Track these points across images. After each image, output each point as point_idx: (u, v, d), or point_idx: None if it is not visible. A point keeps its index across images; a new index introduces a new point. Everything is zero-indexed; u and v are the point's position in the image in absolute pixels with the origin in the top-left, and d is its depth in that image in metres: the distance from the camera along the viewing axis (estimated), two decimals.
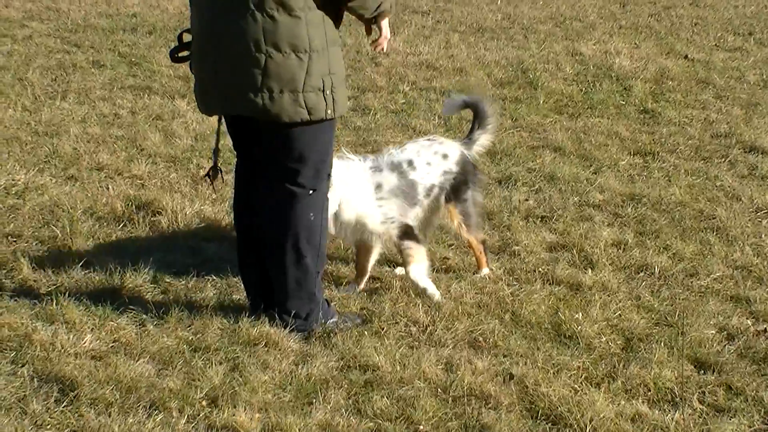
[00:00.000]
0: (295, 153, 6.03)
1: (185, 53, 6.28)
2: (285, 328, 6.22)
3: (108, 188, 8.36)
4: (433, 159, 6.96)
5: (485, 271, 7.13)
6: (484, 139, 7.25)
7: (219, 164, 6.48)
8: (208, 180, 6.52)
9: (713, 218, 8.08)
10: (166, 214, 7.86)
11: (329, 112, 5.95)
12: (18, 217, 7.78)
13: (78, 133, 9.66)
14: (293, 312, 6.26)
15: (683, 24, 14.97)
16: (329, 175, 6.23)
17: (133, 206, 8.02)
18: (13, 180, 8.40)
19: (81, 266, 7.01)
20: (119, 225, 7.73)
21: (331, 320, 6.33)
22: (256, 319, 6.27)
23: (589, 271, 7.15)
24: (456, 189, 7.01)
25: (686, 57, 12.99)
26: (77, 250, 7.19)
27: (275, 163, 6.09)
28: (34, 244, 7.34)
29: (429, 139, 7.19)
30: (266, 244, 6.25)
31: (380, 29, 6.20)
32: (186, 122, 10.05)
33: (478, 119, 7.20)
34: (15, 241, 7.38)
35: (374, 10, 6.05)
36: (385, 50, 6.38)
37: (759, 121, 10.61)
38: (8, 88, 10.99)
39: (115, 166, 8.90)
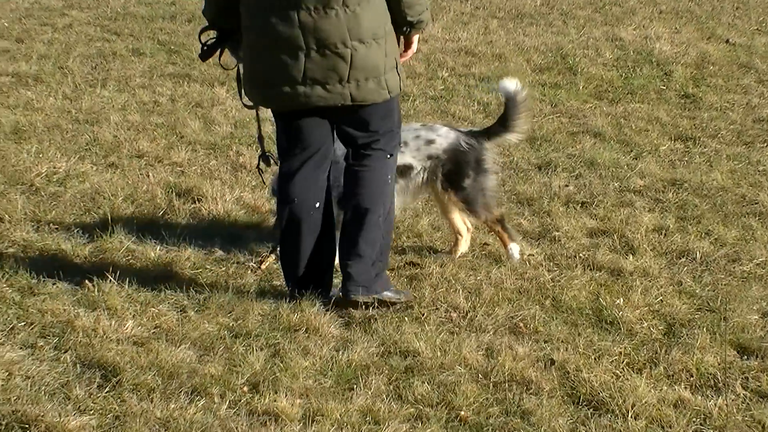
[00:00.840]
0: (374, 126, 6.32)
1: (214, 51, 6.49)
2: (371, 294, 6.35)
3: (148, 175, 8.39)
4: (415, 143, 6.99)
5: (513, 246, 7.12)
6: (508, 136, 7.18)
7: (267, 151, 6.59)
8: (262, 168, 6.66)
9: (755, 203, 8.02)
10: (206, 201, 7.89)
11: (402, 85, 6.39)
12: (59, 204, 7.83)
13: (118, 120, 9.70)
14: (378, 273, 6.42)
15: (724, 8, 14.84)
16: (399, 143, 6.55)
17: (173, 193, 8.05)
18: (54, 167, 8.44)
19: (122, 253, 7.05)
20: (159, 212, 7.76)
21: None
22: (297, 304, 6.28)
23: (630, 256, 7.12)
24: (448, 176, 6.99)
25: (727, 41, 12.88)
26: (118, 237, 7.22)
27: (357, 136, 6.36)
28: (75, 231, 7.37)
29: (423, 125, 7.21)
30: (355, 217, 6.37)
31: (411, 42, 6.52)
32: (225, 109, 10.07)
33: (506, 115, 7.12)
34: (57, 228, 7.42)
35: (418, 15, 6.30)
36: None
37: None
38: (49, 76, 11.04)
39: (155, 153, 8.93)
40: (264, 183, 7.47)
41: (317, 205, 6.37)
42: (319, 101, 6.13)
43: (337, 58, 6.04)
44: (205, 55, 6.51)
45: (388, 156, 6.40)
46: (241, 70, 6.37)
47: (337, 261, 6.54)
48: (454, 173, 6.97)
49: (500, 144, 7.27)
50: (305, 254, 6.42)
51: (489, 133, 7.12)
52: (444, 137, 7.00)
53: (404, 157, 6.86)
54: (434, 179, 6.99)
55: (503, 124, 7.10)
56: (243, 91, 6.41)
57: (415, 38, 6.51)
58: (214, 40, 6.47)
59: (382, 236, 6.40)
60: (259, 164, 6.62)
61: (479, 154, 7.04)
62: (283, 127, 6.37)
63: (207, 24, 6.46)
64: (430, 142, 6.98)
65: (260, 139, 6.60)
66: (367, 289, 6.33)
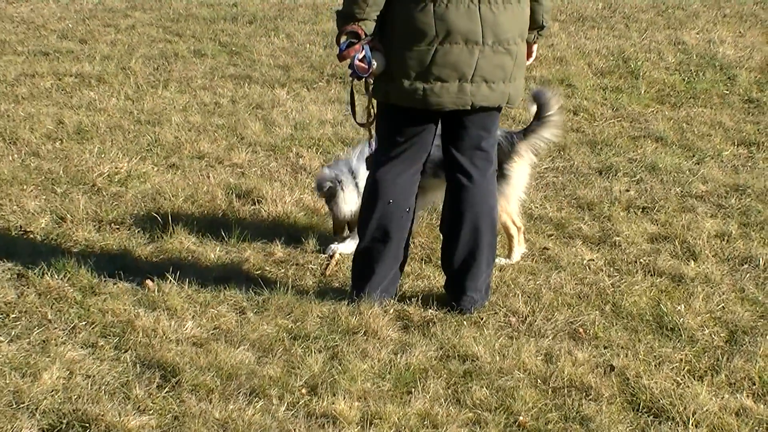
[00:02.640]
0: (490, 135, 6.40)
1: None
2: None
3: (209, 176, 8.43)
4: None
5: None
6: (544, 132, 7.11)
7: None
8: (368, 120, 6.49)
9: None
10: (266, 202, 7.91)
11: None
12: (121, 204, 7.88)
13: (179, 121, 9.76)
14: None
15: None
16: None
17: (234, 194, 8.08)
18: (116, 168, 8.50)
19: (182, 254, 7.09)
20: (219, 213, 7.79)
21: None
22: (356, 307, 6.29)
23: (692, 262, 7.06)
24: None
25: None
26: (178, 238, 7.26)
27: (479, 146, 6.36)
28: (136, 231, 7.42)
29: None
30: (475, 235, 6.38)
31: (533, 50, 6.60)
32: (285, 111, 10.10)
33: (538, 111, 7.09)
34: (118, 228, 7.48)
35: (549, 20, 6.51)
36: None
37: None
38: (112, 77, 11.13)
39: (216, 154, 8.97)
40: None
41: (408, 209, 6.39)
42: (483, 101, 6.14)
43: (506, 56, 6.11)
44: (343, 57, 6.14)
45: (496, 169, 6.52)
46: (378, 70, 6.13)
47: None
48: None
49: (539, 143, 7.12)
50: (388, 257, 6.43)
51: (525, 132, 7.08)
52: None
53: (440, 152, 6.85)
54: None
55: (538, 118, 7.06)
56: (378, 89, 6.23)
57: (535, 46, 6.58)
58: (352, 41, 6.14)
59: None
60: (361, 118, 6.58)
61: (504, 157, 6.95)
62: (401, 125, 6.30)
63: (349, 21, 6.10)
64: None
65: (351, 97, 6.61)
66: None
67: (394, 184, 6.34)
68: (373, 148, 6.45)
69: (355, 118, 6.59)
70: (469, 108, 6.13)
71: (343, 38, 6.06)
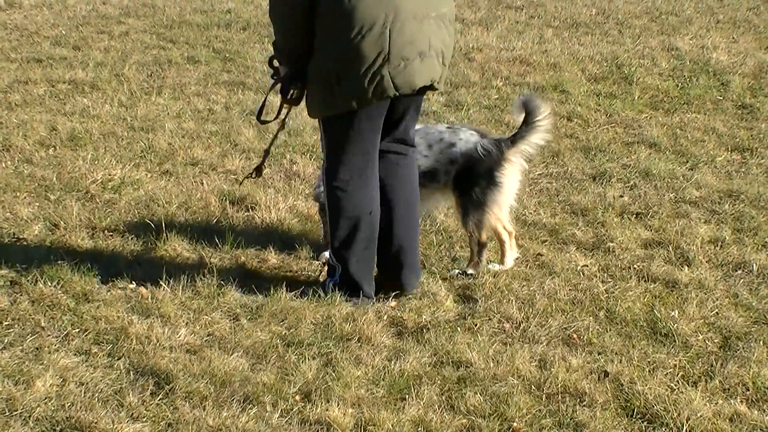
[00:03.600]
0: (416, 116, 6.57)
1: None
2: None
3: (202, 183, 8.42)
4: (438, 147, 6.99)
5: (471, 270, 7.05)
6: (533, 137, 7.05)
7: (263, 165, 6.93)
8: (253, 176, 6.94)
9: None
10: (260, 209, 7.91)
11: None
12: (114, 211, 7.87)
13: (173, 128, 9.75)
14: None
15: None
16: None
17: (227, 201, 8.07)
18: (109, 175, 8.49)
19: (175, 260, 7.08)
20: (213, 220, 7.78)
21: None
22: (350, 314, 6.30)
23: (686, 268, 7.06)
24: (459, 179, 6.96)
25: None
26: (172, 245, 7.25)
27: (413, 128, 6.57)
28: (130, 238, 7.41)
29: (449, 127, 7.17)
30: (409, 210, 6.59)
31: None
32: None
33: (527, 117, 7.08)
34: (111, 235, 7.47)
35: None
36: None
37: None
38: (105, 83, 11.12)
39: (210, 161, 8.97)
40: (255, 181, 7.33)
41: (375, 206, 6.45)
42: (434, 75, 6.22)
43: (445, 30, 6.22)
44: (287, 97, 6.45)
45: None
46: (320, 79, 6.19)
47: None
48: (466, 179, 6.93)
49: (528, 149, 7.06)
50: (372, 261, 6.56)
51: (514, 138, 7.02)
52: (465, 141, 6.97)
53: (428, 162, 6.93)
54: (448, 181, 7.01)
55: (527, 124, 7.01)
56: (333, 102, 6.20)
57: None
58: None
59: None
60: (251, 173, 6.92)
61: (494, 164, 6.95)
62: (354, 132, 6.26)
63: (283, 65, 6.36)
64: (451, 145, 6.96)
65: (267, 152, 6.88)
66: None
67: (367, 196, 6.36)
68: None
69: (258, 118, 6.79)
70: (428, 84, 6.18)
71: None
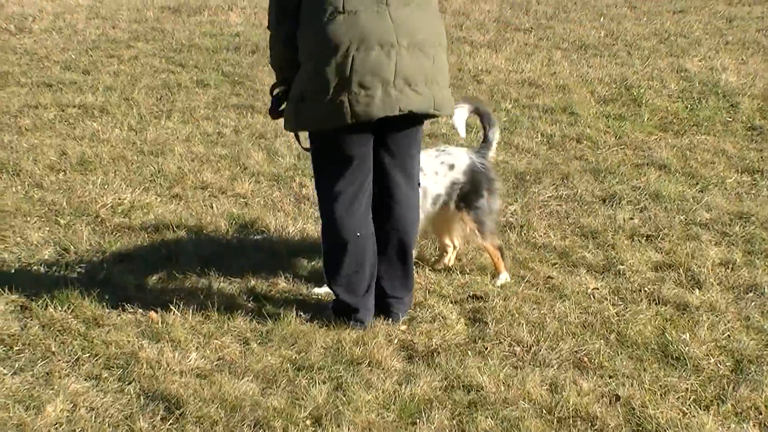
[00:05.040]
0: (418, 147, 6.44)
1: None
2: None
3: (212, 207, 8.43)
4: (441, 169, 7.08)
5: (504, 276, 7.20)
6: (495, 140, 7.30)
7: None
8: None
9: None
10: (270, 232, 7.91)
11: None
12: (124, 235, 7.88)
13: (182, 151, 9.77)
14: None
15: None
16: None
17: (237, 225, 8.07)
18: (119, 199, 8.51)
19: (185, 284, 7.08)
20: (223, 243, 7.78)
21: None
22: (360, 337, 6.29)
23: (697, 290, 7.04)
24: (465, 197, 7.10)
25: None
26: (182, 269, 7.25)
27: (410, 158, 6.41)
28: (140, 262, 7.41)
29: (438, 150, 7.25)
30: (402, 241, 6.52)
31: None
32: (288, 141, 10.09)
33: (484, 123, 7.21)
34: (121, 260, 7.47)
35: None
36: None
37: None
38: (115, 108, 11.14)
39: (219, 184, 8.97)
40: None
41: (372, 233, 6.44)
42: (409, 105, 6.07)
43: (424, 58, 6.08)
44: (274, 111, 6.54)
45: (419, 183, 6.58)
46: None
47: None
48: (472, 193, 7.12)
49: (495, 149, 7.40)
50: (367, 285, 6.52)
51: (485, 146, 7.27)
52: (461, 159, 7.12)
53: (437, 187, 7.06)
54: (450, 200, 7.11)
55: (489, 127, 7.27)
56: (297, 119, 6.24)
57: None
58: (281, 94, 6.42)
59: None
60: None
61: (491, 173, 7.20)
62: (334, 152, 6.24)
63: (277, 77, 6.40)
64: (451, 167, 7.09)
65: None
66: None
67: (355, 220, 6.34)
68: None
69: (299, 143, 6.72)
70: (398, 113, 6.05)
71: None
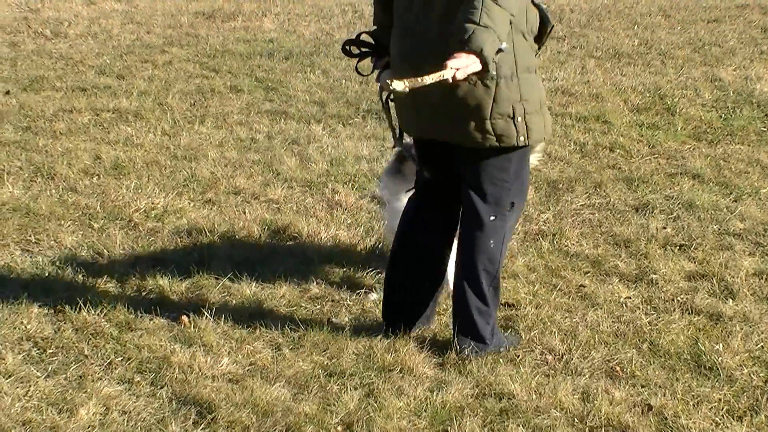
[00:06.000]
0: (486, 181, 6.03)
1: (356, 51, 6.26)
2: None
3: (245, 212, 8.45)
4: None
5: None
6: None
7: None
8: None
9: None
10: (302, 238, 7.93)
11: (521, 139, 5.90)
12: (157, 240, 7.91)
13: (216, 157, 9.80)
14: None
15: None
16: (513, 204, 6.14)
17: (270, 230, 8.09)
18: (152, 203, 8.54)
19: (218, 289, 7.10)
20: (256, 249, 7.80)
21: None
22: (391, 343, 6.29)
23: (730, 301, 7.00)
24: None
25: None
26: (214, 274, 7.27)
27: (466, 189, 6.09)
28: (172, 266, 7.44)
29: None
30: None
31: None
32: (321, 147, 10.12)
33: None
34: (154, 264, 7.50)
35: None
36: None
37: None
38: (149, 112, 11.19)
39: (252, 190, 8.99)
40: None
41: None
42: (426, 134, 6.11)
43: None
44: (348, 52, 6.24)
45: (492, 217, 6.11)
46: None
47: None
48: None
49: None
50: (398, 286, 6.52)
51: None
52: None
53: None
54: None
55: None
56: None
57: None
58: (367, 49, 6.28)
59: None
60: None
61: None
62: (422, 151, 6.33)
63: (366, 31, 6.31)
64: None
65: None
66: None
67: (402, 219, 6.51)
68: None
69: (394, 137, 6.39)
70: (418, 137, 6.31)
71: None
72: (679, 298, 7.05)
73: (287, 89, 12.20)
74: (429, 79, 5.34)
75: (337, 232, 8.05)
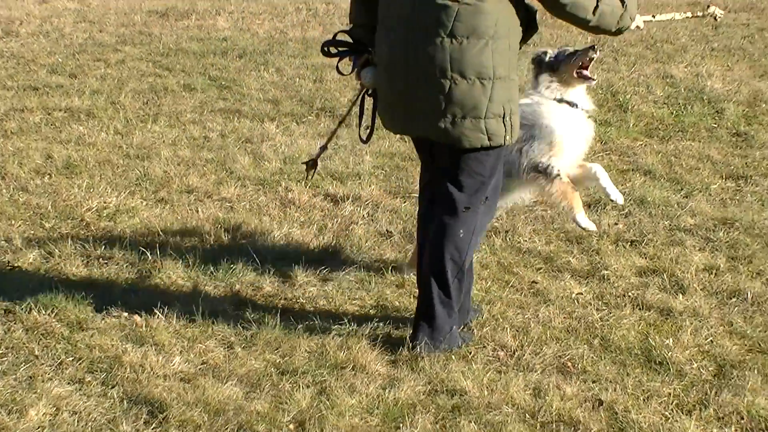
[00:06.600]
0: (464, 173, 6.07)
1: (335, 51, 6.34)
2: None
3: (197, 211, 8.42)
4: None
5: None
6: None
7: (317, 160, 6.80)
8: (307, 169, 6.84)
9: None
10: (255, 237, 7.91)
11: (507, 138, 5.99)
12: (109, 239, 7.87)
13: (168, 155, 9.77)
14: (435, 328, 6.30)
15: None
16: (487, 198, 6.19)
17: (222, 229, 8.07)
18: (104, 203, 8.50)
19: (170, 288, 7.07)
20: (208, 248, 7.78)
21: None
22: (344, 341, 6.29)
23: (680, 296, 7.05)
24: None
25: None
26: (167, 273, 7.25)
27: (444, 179, 6.13)
28: (124, 265, 7.41)
29: None
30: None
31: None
32: (275, 145, 10.11)
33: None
34: (106, 263, 7.46)
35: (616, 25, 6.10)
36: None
37: None
38: (101, 111, 11.14)
39: (205, 188, 8.97)
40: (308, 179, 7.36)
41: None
42: (417, 132, 6.14)
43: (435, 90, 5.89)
44: (327, 53, 6.35)
45: (465, 207, 6.15)
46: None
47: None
48: None
49: None
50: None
51: None
52: None
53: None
54: None
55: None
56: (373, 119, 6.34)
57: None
58: (345, 49, 6.37)
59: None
60: (307, 163, 6.81)
61: None
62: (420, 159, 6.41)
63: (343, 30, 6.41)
64: None
65: (323, 147, 6.78)
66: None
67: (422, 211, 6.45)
68: None
69: (360, 134, 6.57)
70: (405, 135, 6.60)
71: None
72: (630, 294, 7.10)
73: (241, 88, 12.18)
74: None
75: (290, 231, 8.04)
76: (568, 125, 6.82)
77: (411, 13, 5.83)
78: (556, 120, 6.81)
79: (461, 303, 6.37)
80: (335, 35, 6.35)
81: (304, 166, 6.96)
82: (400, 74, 5.93)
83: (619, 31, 6.10)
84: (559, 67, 6.94)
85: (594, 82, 6.84)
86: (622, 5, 5.98)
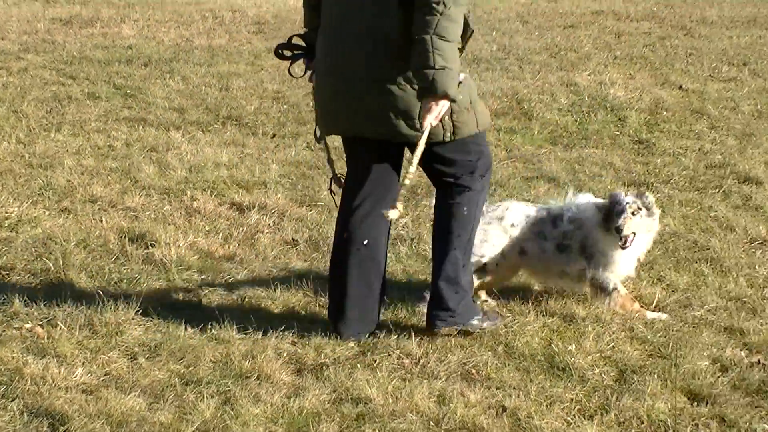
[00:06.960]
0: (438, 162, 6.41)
1: (289, 54, 6.45)
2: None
3: (101, 220, 8.35)
4: None
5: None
6: None
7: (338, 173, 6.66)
8: (334, 190, 6.70)
9: (707, 249, 8.06)
10: (160, 246, 7.86)
11: (448, 134, 6.23)
12: (11, 249, 7.77)
13: (72, 165, 9.67)
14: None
15: (678, 54, 14.99)
16: (482, 176, 6.49)
17: (127, 238, 8.01)
18: (6, 213, 8.40)
19: (73, 299, 6.99)
20: (112, 257, 7.71)
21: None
22: (249, 351, 6.27)
23: (583, 302, 7.12)
24: None
25: (681, 87, 13.00)
26: (69, 283, 7.18)
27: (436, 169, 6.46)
28: (26, 276, 7.33)
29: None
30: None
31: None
32: (180, 154, 10.05)
33: None
34: (7, 274, 7.37)
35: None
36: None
37: (753, 151, 10.62)
38: (3, 120, 11.01)
39: (109, 198, 8.89)
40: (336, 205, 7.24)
41: (365, 242, 6.43)
42: (370, 133, 6.24)
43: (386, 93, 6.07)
44: (281, 56, 6.48)
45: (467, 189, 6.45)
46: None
47: None
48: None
49: None
50: (348, 292, 6.51)
51: None
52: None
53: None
54: None
55: None
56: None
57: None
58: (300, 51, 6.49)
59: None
60: (330, 186, 6.70)
61: None
62: (348, 157, 6.49)
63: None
64: None
65: (330, 161, 6.70)
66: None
67: (348, 213, 6.47)
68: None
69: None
70: (353, 136, 6.51)
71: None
72: (533, 301, 7.15)
73: (146, 96, 12.10)
74: (416, 157, 6.09)
75: (196, 240, 8.01)
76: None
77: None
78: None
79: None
80: (290, 38, 6.47)
81: (331, 191, 6.81)
82: (342, 77, 6.12)
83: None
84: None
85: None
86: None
